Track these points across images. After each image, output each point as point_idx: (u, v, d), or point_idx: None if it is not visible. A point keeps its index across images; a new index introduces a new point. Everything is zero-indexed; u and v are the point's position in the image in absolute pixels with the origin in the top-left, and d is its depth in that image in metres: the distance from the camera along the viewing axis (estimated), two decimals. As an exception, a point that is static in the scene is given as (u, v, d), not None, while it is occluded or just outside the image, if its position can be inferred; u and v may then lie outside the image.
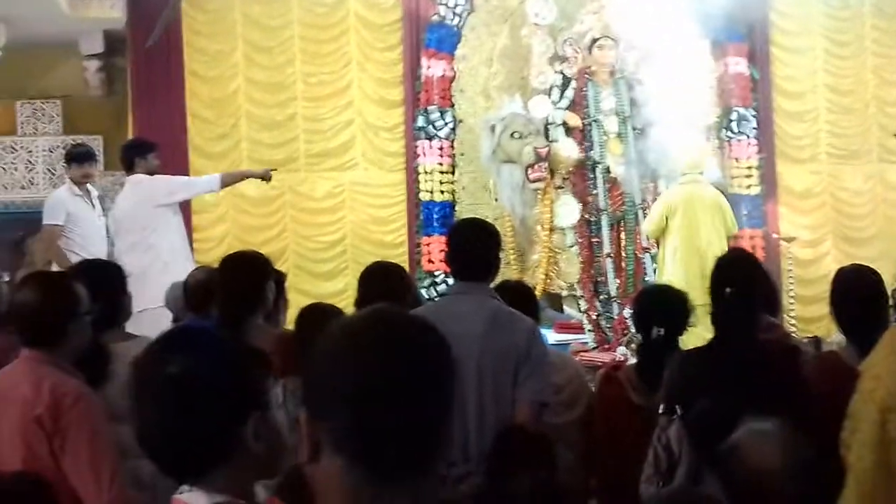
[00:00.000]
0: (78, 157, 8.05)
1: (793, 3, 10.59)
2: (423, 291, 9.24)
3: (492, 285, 4.09)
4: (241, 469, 1.85)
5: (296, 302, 8.21)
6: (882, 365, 3.12)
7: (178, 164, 9.52)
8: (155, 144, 8.01)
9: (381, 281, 4.33)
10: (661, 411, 3.67)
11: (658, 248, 8.67)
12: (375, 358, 1.48)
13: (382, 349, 1.49)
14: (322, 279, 9.99)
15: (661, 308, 4.18)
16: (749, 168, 10.14)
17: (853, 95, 10.97)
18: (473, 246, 3.91)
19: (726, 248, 8.11)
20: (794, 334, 9.37)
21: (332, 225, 10.13)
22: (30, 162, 10.58)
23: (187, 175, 9.35)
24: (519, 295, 4.38)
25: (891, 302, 3.78)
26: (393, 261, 9.38)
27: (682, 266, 8.11)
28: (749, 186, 10.17)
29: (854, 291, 4.13)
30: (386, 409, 1.46)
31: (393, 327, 1.54)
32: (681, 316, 4.16)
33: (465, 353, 3.63)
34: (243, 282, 4.16)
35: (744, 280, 3.91)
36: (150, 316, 6.35)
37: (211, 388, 1.83)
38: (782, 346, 4.08)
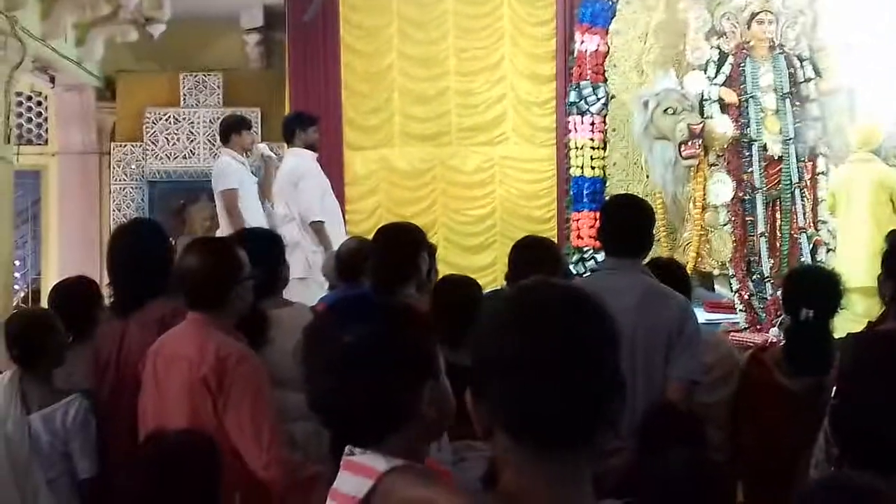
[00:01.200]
0: (246, 124, 8.34)
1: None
2: (572, 267, 9.23)
3: (644, 262, 4.07)
4: (415, 434, 1.89)
5: (444, 274, 8.35)
6: None
7: (332, 137, 9.76)
8: (316, 118, 8.28)
9: (531, 255, 4.34)
10: (833, 395, 3.60)
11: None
12: (534, 328, 1.49)
13: (541, 319, 1.50)
14: (471, 252, 10.08)
15: (810, 289, 4.08)
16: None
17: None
18: (627, 222, 3.90)
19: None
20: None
21: (482, 199, 10.21)
22: (191, 132, 10.93)
23: (341, 149, 9.61)
24: (670, 273, 4.34)
25: None
26: (542, 235, 9.56)
27: (841, 247, 8.04)
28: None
29: None
30: (544, 380, 1.47)
31: (552, 298, 1.55)
32: (832, 298, 4.05)
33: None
34: (398, 252, 4.23)
35: None
36: (301, 285, 6.55)
37: (388, 356, 1.87)
38: None
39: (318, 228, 7.78)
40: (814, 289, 4.13)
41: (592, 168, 9.67)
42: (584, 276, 8.30)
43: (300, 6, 9.94)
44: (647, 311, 3.72)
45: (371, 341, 1.87)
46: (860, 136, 8.30)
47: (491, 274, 9.18)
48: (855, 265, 6.69)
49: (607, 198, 8.59)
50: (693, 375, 3.71)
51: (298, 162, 7.98)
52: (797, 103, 8.96)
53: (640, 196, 9.31)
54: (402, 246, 4.25)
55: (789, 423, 3.79)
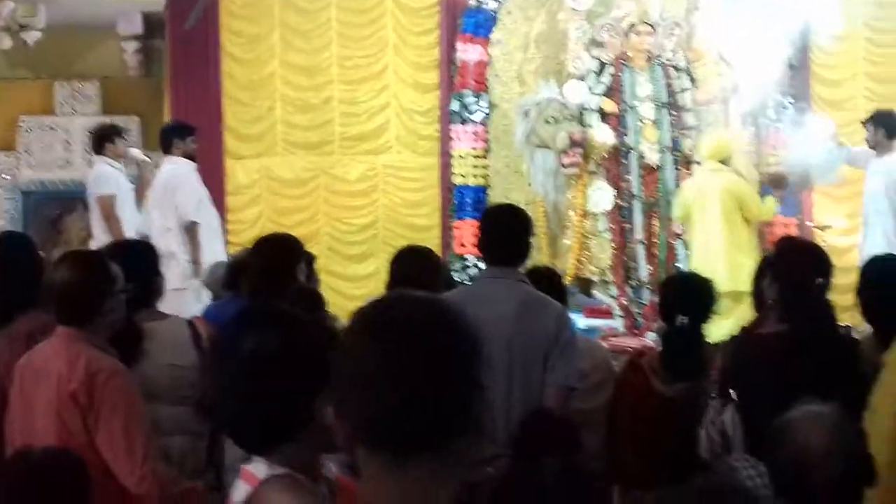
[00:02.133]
0: (118, 132, 8.23)
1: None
2: (454, 275, 9.27)
3: (521, 270, 4.12)
4: (309, 443, 1.93)
5: (327, 284, 8.32)
6: None
7: (213, 146, 9.64)
8: (195, 128, 8.18)
9: (411, 264, 4.35)
10: (714, 395, 3.69)
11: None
12: (378, 341, 1.51)
13: (396, 331, 1.51)
14: (354, 261, 10.05)
15: (685, 296, 4.17)
16: (775, 156, 10.02)
17: (892, 84, 10.86)
18: (505, 231, 3.94)
19: (746, 237, 8.13)
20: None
21: (365, 208, 10.18)
22: (67, 142, 10.66)
23: (222, 158, 9.53)
24: (548, 281, 4.40)
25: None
26: (424, 244, 9.57)
27: (696, 252, 8.20)
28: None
29: (879, 282, 4.14)
30: (397, 392, 1.48)
31: (408, 310, 1.56)
32: (706, 304, 4.15)
33: (496, 337, 3.66)
34: (274, 263, 4.20)
35: (820, 272, 3.91)
36: (177, 296, 6.48)
37: (284, 364, 1.90)
38: (847, 338, 4.10)
39: (192, 231, 7.69)
40: (689, 296, 4.23)
41: (475, 177, 9.72)
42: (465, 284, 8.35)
43: (180, 13, 9.79)
44: (525, 319, 3.76)
45: (266, 350, 1.90)
46: (710, 147, 8.50)
47: (373, 283, 9.15)
48: (713, 271, 6.81)
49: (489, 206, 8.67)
50: (570, 381, 3.76)
51: (176, 170, 7.90)
52: (674, 113, 9.16)
53: (522, 204, 9.41)
54: (277, 257, 4.23)
55: (665, 428, 3.87)
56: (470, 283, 4.22)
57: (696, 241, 8.31)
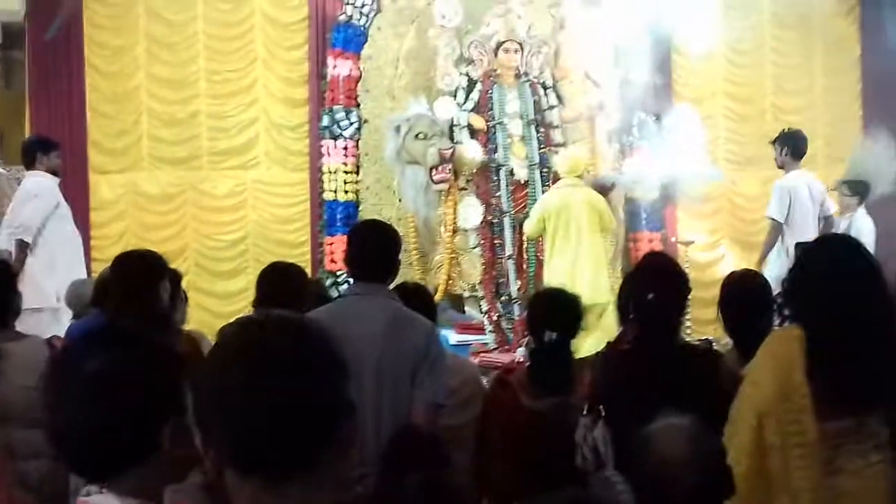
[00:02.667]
0: None
1: (694, 11, 10.77)
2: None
3: (390, 287, 4.11)
4: (156, 472, 1.83)
5: (195, 301, 8.18)
6: (761, 370, 3.18)
7: (77, 161, 9.41)
8: (58, 144, 8.02)
9: (278, 281, 4.31)
10: (584, 412, 3.72)
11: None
12: (242, 363, 1.49)
13: (250, 353, 1.50)
14: (223, 278, 9.90)
15: (553, 312, 4.21)
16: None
17: (751, 103, 11.26)
18: (373, 248, 3.92)
19: (603, 250, 8.30)
20: (689, 336, 9.64)
21: (234, 223, 10.04)
22: (-77, 156, 10.27)
23: (86, 173, 9.32)
24: (417, 297, 4.39)
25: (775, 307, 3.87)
26: (295, 260, 9.40)
27: (558, 267, 8.20)
28: (650, 190, 10.32)
29: (739, 296, 4.26)
30: (261, 412, 1.46)
31: (270, 329, 1.54)
32: (573, 320, 4.20)
33: (365, 354, 3.65)
34: (134, 281, 4.09)
35: (665, 283, 3.98)
36: (36, 315, 6.30)
37: (129, 388, 1.81)
38: (700, 349, 4.18)
39: (21, 247, 7.49)
40: (556, 311, 4.26)
41: (346, 192, 9.69)
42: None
43: (41, 24, 9.51)
44: (394, 336, 3.75)
45: (109, 371, 1.81)
46: (566, 163, 8.66)
47: (243, 300, 9.03)
48: (576, 285, 6.88)
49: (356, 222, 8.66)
50: (438, 398, 3.76)
51: (37, 184, 7.68)
52: (542, 130, 9.28)
53: (393, 220, 9.49)
54: (139, 274, 4.11)
55: (534, 442, 3.90)
56: (338, 301, 4.18)
57: (560, 255, 8.33)
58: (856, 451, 3.09)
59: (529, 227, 8.64)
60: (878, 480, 3.09)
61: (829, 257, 3.29)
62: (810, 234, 8.28)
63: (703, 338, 9.23)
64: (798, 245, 7.10)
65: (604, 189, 9.09)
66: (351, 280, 4.95)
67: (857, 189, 9.33)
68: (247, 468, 1.49)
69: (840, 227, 9.03)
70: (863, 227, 9.04)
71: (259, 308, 4.34)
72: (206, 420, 1.52)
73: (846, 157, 11.47)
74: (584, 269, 8.14)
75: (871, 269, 3.23)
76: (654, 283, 3.93)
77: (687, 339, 9.23)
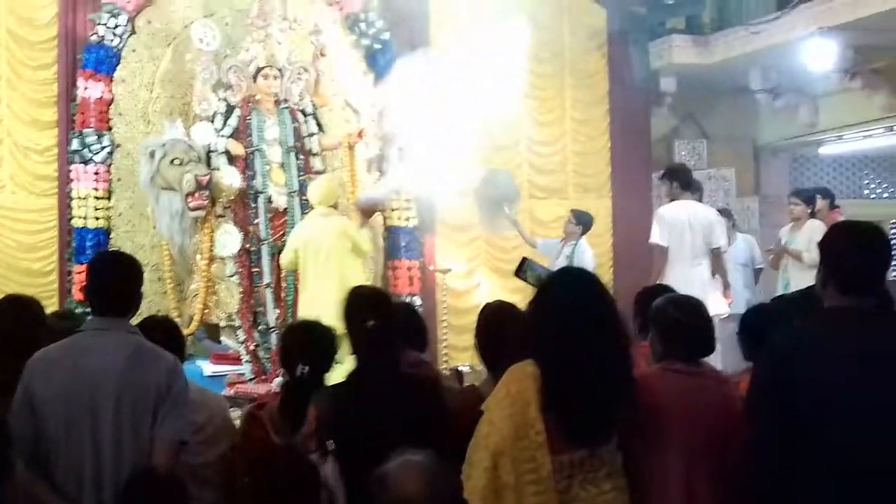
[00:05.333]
0: None
1: (454, 44, 10.97)
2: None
3: (134, 320, 3.96)
4: None
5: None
6: (496, 409, 3.23)
7: None
8: None
9: (9, 315, 4.10)
10: (313, 449, 3.67)
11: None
12: None
13: None
14: (-37, 309, 9.29)
15: (306, 345, 4.17)
16: (408, 201, 10.39)
17: (507, 134, 11.55)
18: (112, 280, 3.77)
19: (362, 279, 8.28)
20: (444, 364, 9.80)
21: (-25, 252, 9.45)
22: None
23: None
24: (161, 330, 4.24)
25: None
26: (42, 290, 9.06)
27: (310, 297, 8.15)
28: (408, 219, 10.45)
29: (493, 327, 4.33)
30: None
31: None
32: (326, 352, 4.17)
33: (102, 391, 3.54)
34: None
35: (382, 312, 3.98)
36: None
37: None
38: (423, 379, 4.17)
39: None
40: (310, 344, 4.22)
41: (96, 219, 9.29)
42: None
43: None
44: (135, 371, 3.62)
45: None
46: (317, 192, 8.61)
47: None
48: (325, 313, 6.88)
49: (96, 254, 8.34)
50: (180, 435, 3.65)
51: None
52: (301, 157, 9.23)
53: (147, 247, 9.26)
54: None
55: (284, 480, 3.84)
56: (76, 335, 4.00)
57: (312, 285, 8.27)
58: (589, 480, 3.20)
59: (284, 259, 8.56)
60: (610, 508, 3.21)
61: (561, 293, 3.39)
62: (684, 260, 8.63)
63: (455, 366, 9.43)
64: None
65: (374, 206, 9.13)
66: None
67: (582, 219, 9.80)
68: None
69: (563, 254, 9.46)
70: (585, 255, 9.51)
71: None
72: None
73: (595, 187, 12.04)
74: (335, 299, 8.07)
75: (603, 303, 3.35)
76: (372, 310, 3.95)
77: (441, 367, 9.44)
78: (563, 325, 3.24)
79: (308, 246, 8.34)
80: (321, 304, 7.75)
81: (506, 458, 3.10)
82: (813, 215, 9.59)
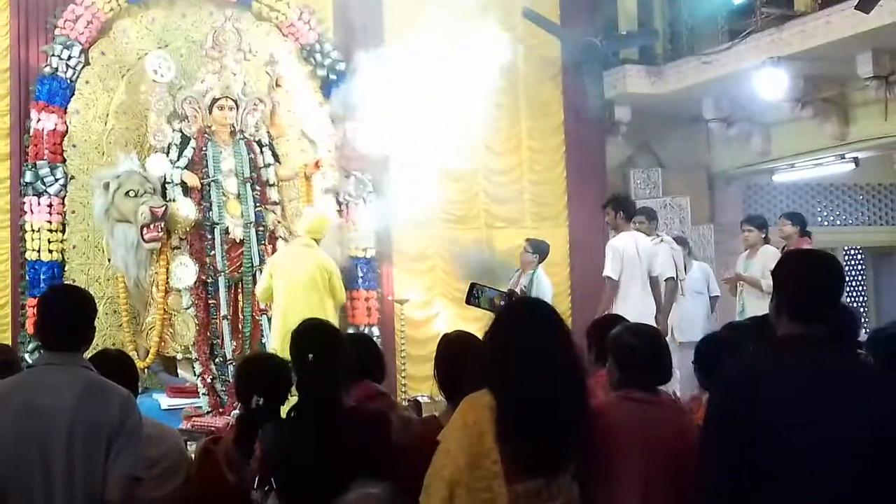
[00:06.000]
0: None
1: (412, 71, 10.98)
2: (27, 356, 8.72)
3: (88, 354, 3.91)
4: None
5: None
6: (452, 439, 3.23)
7: None
8: None
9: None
10: (255, 486, 3.64)
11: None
12: None
13: None
14: (-88, 344, 9.14)
15: (261, 377, 4.14)
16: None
17: (465, 162, 11.57)
18: (63, 314, 3.71)
19: (330, 313, 8.21)
20: (403, 394, 9.76)
21: (-74, 285, 9.32)
22: None
23: None
24: (115, 364, 4.19)
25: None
26: (-6, 324, 8.92)
27: (281, 326, 7.99)
28: (366, 249, 10.43)
29: (452, 357, 4.31)
30: None
31: None
32: (281, 385, 4.14)
33: (54, 427, 3.48)
34: None
35: (324, 346, 3.95)
36: None
37: None
38: (365, 412, 4.13)
39: None
40: (263, 377, 4.19)
41: (50, 251, 9.18)
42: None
43: None
44: (87, 407, 3.55)
45: None
46: (311, 223, 8.56)
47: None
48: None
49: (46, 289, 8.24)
50: (135, 471, 3.59)
51: None
52: (258, 188, 9.20)
53: (101, 280, 9.16)
54: None
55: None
56: (27, 370, 3.94)
57: (283, 313, 8.14)
58: (547, 509, 3.19)
59: (259, 290, 8.46)
60: (566, 536, 3.20)
61: (515, 323, 3.39)
62: (636, 290, 8.66)
63: (414, 396, 9.39)
64: None
65: None
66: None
67: (538, 248, 9.82)
68: None
69: (521, 283, 9.46)
70: (542, 285, 9.52)
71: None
72: None
73: (552, 216, 12.09)
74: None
75: (557, 332, 3.35)
76: (315, 344, 3.92)
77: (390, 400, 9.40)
78: (516, 354, 3.24)
79: (284, 273, 8.23)
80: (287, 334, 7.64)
81: (461, 488, 3.09)
82: (766, 241, 9.66)
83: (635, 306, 8.34)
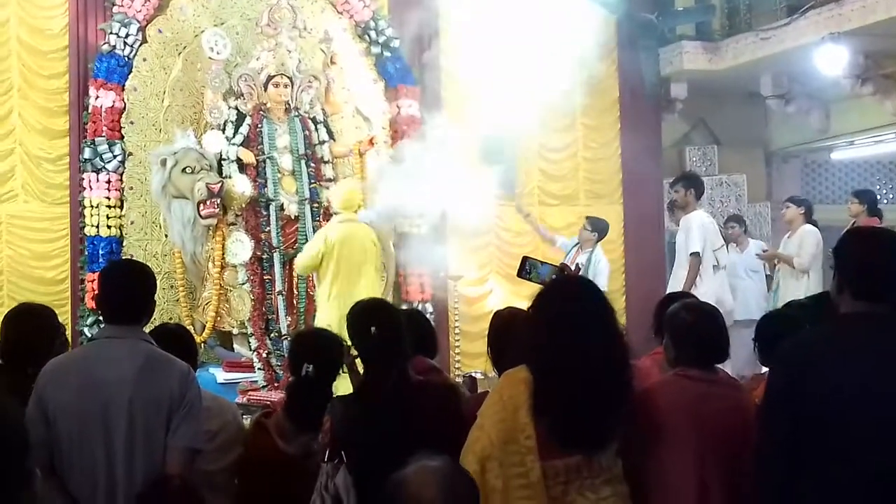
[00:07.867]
0: None
1: (466, 46, 10.95)
2: (87, 330, 8.86)
3: (150, 327, 3.97)
4: None
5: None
6: (488, 414, 3.23)
7: None
8: None
9: (25, 324, 4.10)
10: (325, 459, 3.66)
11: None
12: None
13: None
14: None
15: (312, 349, 4.18)
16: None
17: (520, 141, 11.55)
18: (124, 288, 3.76)
19: (379, 287, 8.25)
20: (456, 371, 9.78)
21: (-13, 260, 9.48)
22: None
23: None
24: (174, 338, 4.25)
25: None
26: (55, 298, 9.07)
27: (338, 306, 7.85)
28: (419, 226, 10.42)
29: (504, 333, 4.32)
30: None
31: None
32: (331, 357, 4.17)
33: (114, 400, 3.52)
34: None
35: (386, 322, 3.98)
36: None
37: None
38: (437, 385, 4.16)
39: None
40: (314, 348, 4.23)
41: (109, 227, 9.28)
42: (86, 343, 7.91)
43: None
44: (147, 380, 3.60)
45: None
46: (341, 198, 8.49)
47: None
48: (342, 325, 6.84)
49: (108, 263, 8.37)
50: (194, 443, 3.64)
51: None
52: (313, 164, 9.23)
53: (159, 256, 9.26)
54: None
55: (294, 487, 3.83)
56: (87, 344, 3.98)
57: (339, 293, 8.08)
58: (587, 486, 3.18)
59: (304, 263, 8.39)
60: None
61: (557, 301, 3.37)
62: (708, 269, 8.83)
63: (468, 373, 9.41)
64: None
65: None
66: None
67: (597, 226, 9.76)
68: None
69: (579, 260, 9.43)
70: (600, 264, 9.49)
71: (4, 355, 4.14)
72: None
73: (606, 193, 12.03)
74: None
75: (600, 310, 3.33)
76: (375, 318, 3.95)
77: (456, 373, 9.42)
78: (555, 331, 3.23)
79: (332, 252, 8.19)
80: (337, 314, 7.62)
81: (493, 462, 3.10)
82: (809, 220, 9.57)
83: (711, 284, 8.46)
